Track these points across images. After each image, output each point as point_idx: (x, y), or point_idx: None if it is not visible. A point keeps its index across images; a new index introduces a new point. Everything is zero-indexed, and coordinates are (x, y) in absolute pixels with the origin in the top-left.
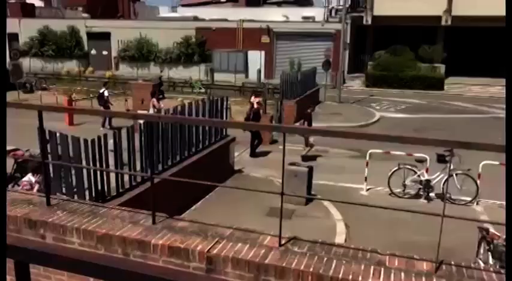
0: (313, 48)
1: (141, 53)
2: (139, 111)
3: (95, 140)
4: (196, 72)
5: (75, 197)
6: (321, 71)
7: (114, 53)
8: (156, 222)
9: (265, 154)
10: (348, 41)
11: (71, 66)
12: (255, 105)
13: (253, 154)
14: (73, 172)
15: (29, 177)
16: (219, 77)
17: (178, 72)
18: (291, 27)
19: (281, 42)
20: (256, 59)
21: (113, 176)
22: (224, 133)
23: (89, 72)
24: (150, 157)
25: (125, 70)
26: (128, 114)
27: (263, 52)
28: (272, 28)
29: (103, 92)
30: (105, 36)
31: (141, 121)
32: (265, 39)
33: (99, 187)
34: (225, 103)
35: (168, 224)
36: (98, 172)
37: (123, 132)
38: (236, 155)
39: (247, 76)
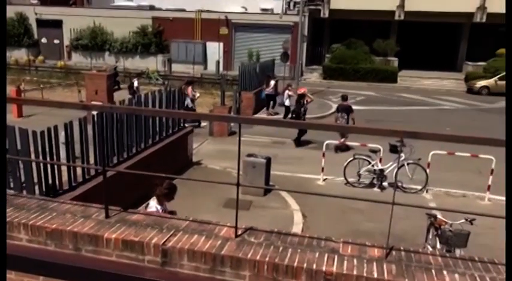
0: (272, 40)
1: (95, 42)
2: (94, 103)
3: (44, 132)
4: (153, 63)
5: (24, 192)
6: (279, 63)
7: (66, 42)
8: (109, 216)
9: (223, 145)
10: (306, 34)
11: (20, 55)
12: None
13: (299, 144)
14: (21, 165)
15: None
16: (177, 68)
17: (134, 63)
18: (250, 19)
19: (240, 33)
20: (214, 50)
21: (65, 169)
22: (182, 125)
23: (39, 61)
24: (103, 150)
25: (77, 60)
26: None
27: (222, 43)
28: (231, 19)
29: (133, 83)
30: (57, 24)
31: (95, 112)
32: (223, 30)
33: (50, 181)
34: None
35: (122, 218)
36: (49, 166)
37: (75, 124)
38: (195, 147)
39: (205, 67)
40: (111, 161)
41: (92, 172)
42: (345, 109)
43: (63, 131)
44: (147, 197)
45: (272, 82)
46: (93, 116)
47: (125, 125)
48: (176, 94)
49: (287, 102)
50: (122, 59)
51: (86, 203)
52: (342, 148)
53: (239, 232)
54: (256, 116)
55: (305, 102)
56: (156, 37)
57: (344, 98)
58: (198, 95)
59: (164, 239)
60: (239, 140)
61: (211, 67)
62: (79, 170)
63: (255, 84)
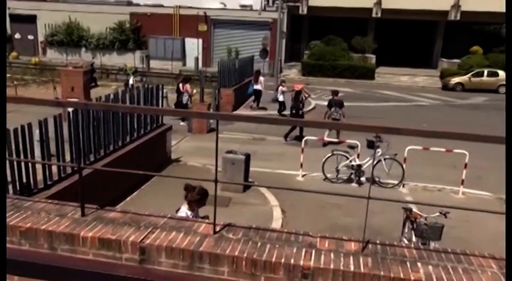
0: (251, 37)
1: (70, 38)
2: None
3: (18, 130)
4: (131, 60)
5: None
6: (258, 59)
7: (40, 38)
8: (85, 214)
9: (202, 142)
10: (285, 30)
11: None
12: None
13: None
14: None
15: None
16: (155, 64)
17: (112, 59)
18: (229, 15)
19: (219, 30)
20: (193, 46)
21: (40, 168)
22: (160, 122)
23: (12, 57)
24: (79, 147)
25: (53, 56)
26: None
27: (200, 40)
28: (209, 15)
29: (128, 80)
30: (31, 19)
31: (70, 109)
32: (202, 26)
33: (24, 180)
34: (160, 91)
35: (99, 216)
36: (23, 164)
37: (50, 122)
38: (173, 144)
39: (184, 64)
40: (88, 159)
41: (69, 170)
42: (339, 104)
43: (37, 129)
44: (124, 196)
45: (261, 78)
46: (69, 113)
47: (102, 122)
48: (154, 91)
49: (281, 98)
50: (98, 55)
51: (61, 201)
52: (334, 142)
53: (217, 229)
54: (236, 112)
55: (303, 98)
56: (134, 33)
57: (335, 93)
58: (194, 91)
59: (142, 237)
60: (217, 136)
61: (190, 64)
62: (54, 169)
63: (235, 81)
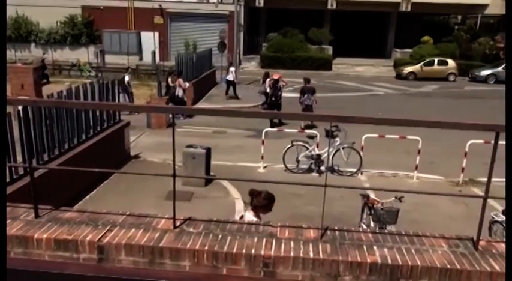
0: (208, 30)
1: (18, 33)
2: (20, 98)
3: None
4: (85, 55)
5: None
6: (216, 53)
7: None
8: (39, 215)
9: (162, 138)
10: (242, 23)
11: None
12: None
13: (273, 125)
14: None
15: None
16: (110, 59)
17: (64, 55)
18: (185, 8)
19: (175, 23)
20: (150, 40)
21: None
22: (117, 118)
23: None
24: (30, 147)
25: None
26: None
27: (157, 33)
28: (165, 8)
29: (123, 78)
30: None
31: (20, 107)
32: (158, 19)
33: None
34: (116, 87)
35: (54, 217)
36: None
37: None
38: (132, 140)
39: (141, 58)
40: (41, 159)
41: (21, 171)
42: (311, 91)
43: None
44: (83, 195)
45: (232, 69)
46: (18, 111)
47: (55, 120)
48: (110, 86)
49: (268, 90)
50: (50, 50)
51: (12, 203)
52: (309, 126)
53: (178, 223)
54: (195, 106)
55: (281, 86)
56: (87, 27)
57: (307, 80)
58: (188, 85)
59: (100, 236)
60: (173, 130)
61: (147, 58)
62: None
63: (194, 75)
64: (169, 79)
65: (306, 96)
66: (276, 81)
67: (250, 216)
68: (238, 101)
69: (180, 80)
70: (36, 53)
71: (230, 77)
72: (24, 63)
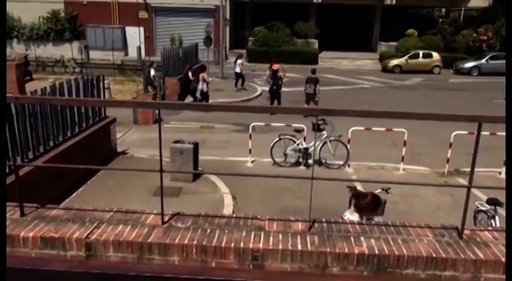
0: (194, 24)
1: None
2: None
3: None
4: (69, 50)
5: None
6: (203, 47)
7: None
8: (25, 214)
9: (148, 133)
10: (228, 17)
11: None
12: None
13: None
14: None
15: None
16: (95, 54)
17: (47, 51)
18: (170, 3)
19: (160, 18)
20: (135, 35)
21: None
22: (103, 114)
23: None
24: (14, 145)
25: None
26: None
27: (142, 28)
28: (150, 3)
29: (149, 72)
30: None
31: None
32: (143, 14)
33: None
34: (101, 82)
35: (40, 215)
36: None
37: None
38: (119, 137)
39: (126, 53)
40: (26, 157)
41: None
42: (314, 80)
43: None
44: (70, 192)
45: (239, 61)
46: None
47: (39, 117)
48: (95, 82)
49: (237, 70)
50: (33, 46)
51: None
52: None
53: (166, 219)
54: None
55: (281, 76)
56: (70, 23)
57: (313, 71)
58: (210, 79)
59: (87, 232)
60: (159, 125)
61: (133, 53)
62: None
63: (180, 70)
64: (190, 73)
65: (308, 85)
66: (276, 71)
67: (356, 219)
68: (225, 95)
69: (204, 74)
70: (18, 49)
71: (238, 70)
72: (7, 60)
